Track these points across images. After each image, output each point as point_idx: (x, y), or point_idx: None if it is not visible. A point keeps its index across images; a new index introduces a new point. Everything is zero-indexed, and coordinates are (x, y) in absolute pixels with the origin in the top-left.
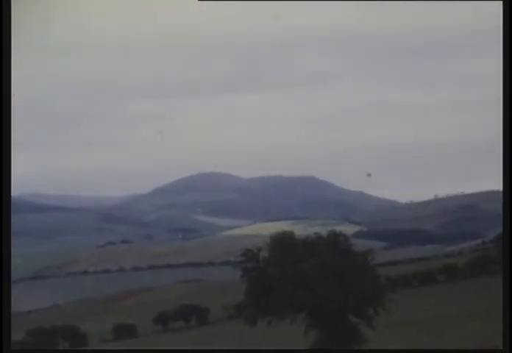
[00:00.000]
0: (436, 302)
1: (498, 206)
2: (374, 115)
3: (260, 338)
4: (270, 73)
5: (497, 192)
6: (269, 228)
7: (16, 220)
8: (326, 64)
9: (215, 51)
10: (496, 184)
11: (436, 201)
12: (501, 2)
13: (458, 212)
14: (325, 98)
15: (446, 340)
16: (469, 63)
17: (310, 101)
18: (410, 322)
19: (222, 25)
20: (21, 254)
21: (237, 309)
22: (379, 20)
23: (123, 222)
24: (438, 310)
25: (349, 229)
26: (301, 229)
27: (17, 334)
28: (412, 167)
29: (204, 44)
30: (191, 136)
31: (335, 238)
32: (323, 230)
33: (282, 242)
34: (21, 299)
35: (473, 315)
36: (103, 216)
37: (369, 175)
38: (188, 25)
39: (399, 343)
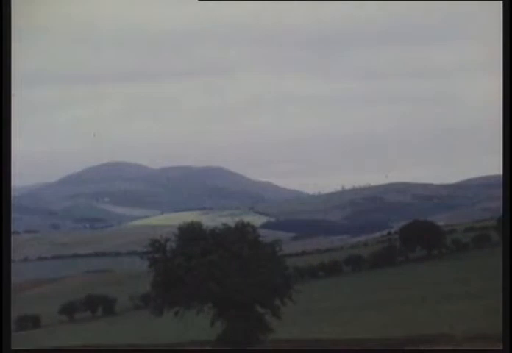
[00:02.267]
0: (341, 293)
1: (403, 198)
2: (282, 106)
3: (166, 328)
4: (178, 63)
5: (402, 184)
6: (177, 218)
7: None
8: (236, 54)
9: (117, 39)
10: (402, 175)
11: (343, 192)
12: (501, 2)
13: (365, 204)
14: (233, 89)
15: (350, 329)
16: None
17: (217, 92)
18: (315, 312)
19: (125, 13)
20: None
21: (143, 300)
22: (291, 11)
23: (29, 211)
24: (344, 301)
25: (256, 220)
26: (208, 220)
27: None
28: (319, 158)
29: (108, 33)
30: (100, 125)
31: (242, 229)
32: (230, 221)
33: (190, 233)
34: None
35: (376, 306)
36: None
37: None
38: (92, 15)
39: (304, 333)
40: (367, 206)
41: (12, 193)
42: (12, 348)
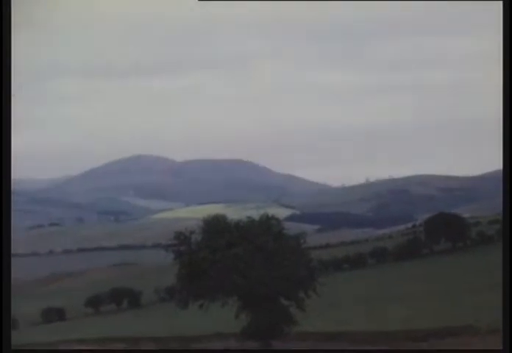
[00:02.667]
0: (366, 285)
1: (427, 190)
2: (304, 97)
3: (191, 321)
4: (199, 53)
5: (427, 176)
6: (201, 211)
7: None
8: (253, 45)
9: (137, 32)
10: (427, 168)
11: (367, 184)
12: (501, 2)
13: (389, 196)
14: (255, 80)
15: (376, 322)
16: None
17: (239, 83)
18: (340, 305)
19: (144, 6)
20: None
21: (169, 293)
22: (310, 3)
23: (53, 204)
24: (368, 293)
25: (281, 213)
26: (233, 212)
27: None
28: (343, 150)
29: (125, 25)
30: (123, 118)
31: (267, 222)
32: (255, 213)
33: (215, 225)
34: None
35: (401, 298)
36: (33, 198)
37: None
38: (110, 7)
39: (329, 325)
40: (391, 198)
41: (37, 186)
42: (36, 340)
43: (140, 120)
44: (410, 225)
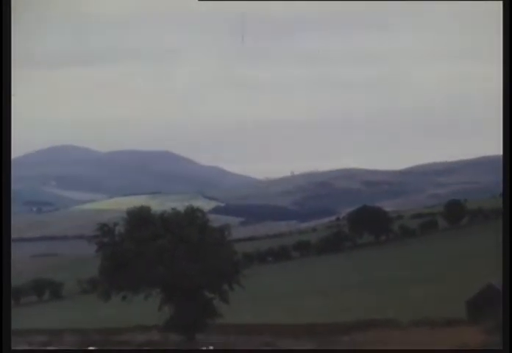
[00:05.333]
0: (290, 278)
1: (352, 183)
2: (230, 91)
3: (114, 313)
4: (124, 47)
5: (352, 170)
6: (126, 202)
7: None
8: (175, 39)
9: (59, 22)
10: (351, 161)
11: (292, 178)
12: (501, 2)
13: (314, 189)
14: (182, 73)
15: (298, 314)
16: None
17: (167, 76)
18: (264, 297)
19: None
20: None
21: (91, 284)
22: None
23: None
24: (292, 286)
25: (205, 205)
26: (157, 204)
27: None
28: (268, 144)
29: (54, 14)
30: (46, 109)
31: (192, 214)
32: (180, 205)
33: (139, 217)
34: None
35: (324, 291)
36: None
37: None
38: None
39: (253, 318)
40: (316, 191)
41: None
42: None
43: (65, 110)
44: (333, 218)
